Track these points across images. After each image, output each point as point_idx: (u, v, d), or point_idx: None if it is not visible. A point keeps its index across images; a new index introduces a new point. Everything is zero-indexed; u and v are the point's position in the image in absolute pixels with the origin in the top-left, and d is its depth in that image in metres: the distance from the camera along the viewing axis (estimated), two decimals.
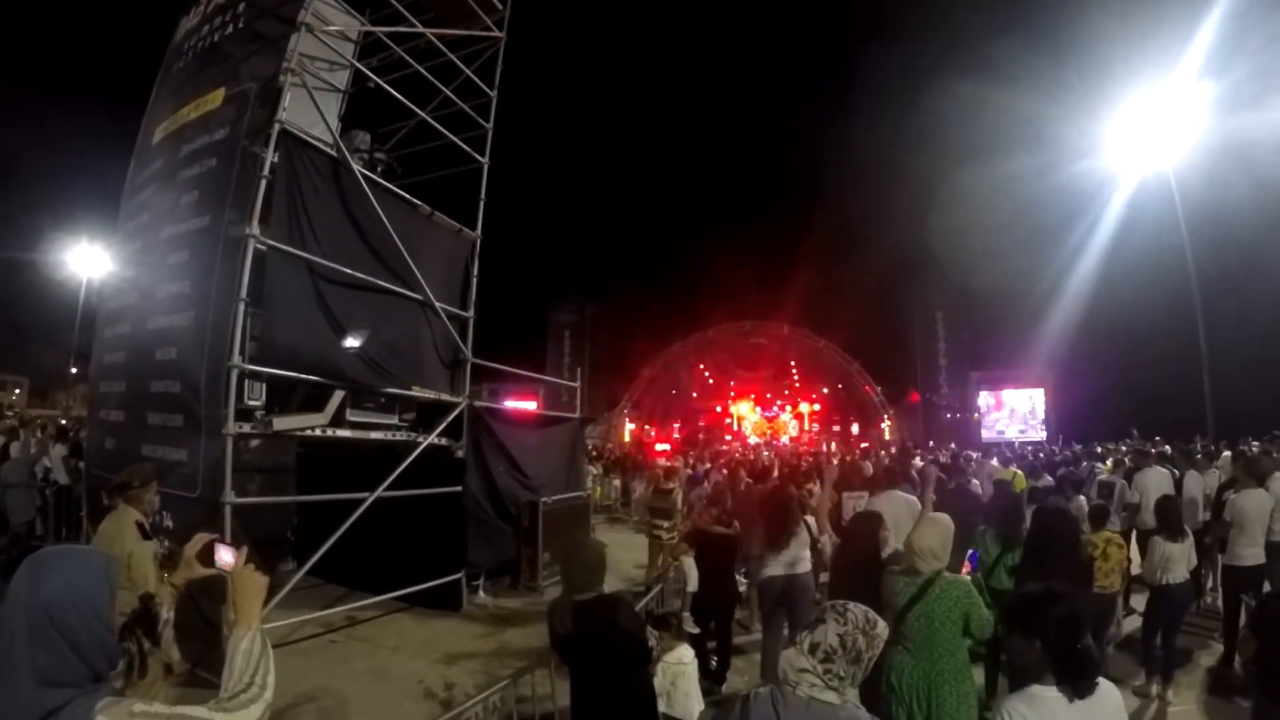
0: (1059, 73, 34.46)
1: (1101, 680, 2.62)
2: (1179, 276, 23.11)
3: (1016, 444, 31.52)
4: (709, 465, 19.91)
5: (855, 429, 48.11)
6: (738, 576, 7.72)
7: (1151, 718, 5.99)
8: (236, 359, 6.80)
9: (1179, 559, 6.23)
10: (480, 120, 10.78)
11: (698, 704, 4.68)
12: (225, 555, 2.37)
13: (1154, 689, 6.23)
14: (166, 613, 2.46)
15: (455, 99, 10.53)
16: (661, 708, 4.31)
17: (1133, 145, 24.19)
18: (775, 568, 6.44)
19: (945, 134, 43.47)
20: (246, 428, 7.34)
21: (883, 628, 2.42)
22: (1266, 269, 29.95)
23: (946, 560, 3.98)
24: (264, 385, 7.70)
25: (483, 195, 10.68)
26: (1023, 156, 37.45)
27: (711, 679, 6.63)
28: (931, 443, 30.82)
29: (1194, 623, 7.90)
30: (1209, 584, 8.87)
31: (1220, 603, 7.75)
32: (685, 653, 4.80)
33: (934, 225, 43.91)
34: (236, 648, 2.00)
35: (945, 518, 4.23)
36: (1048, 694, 2.56)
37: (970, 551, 5.82)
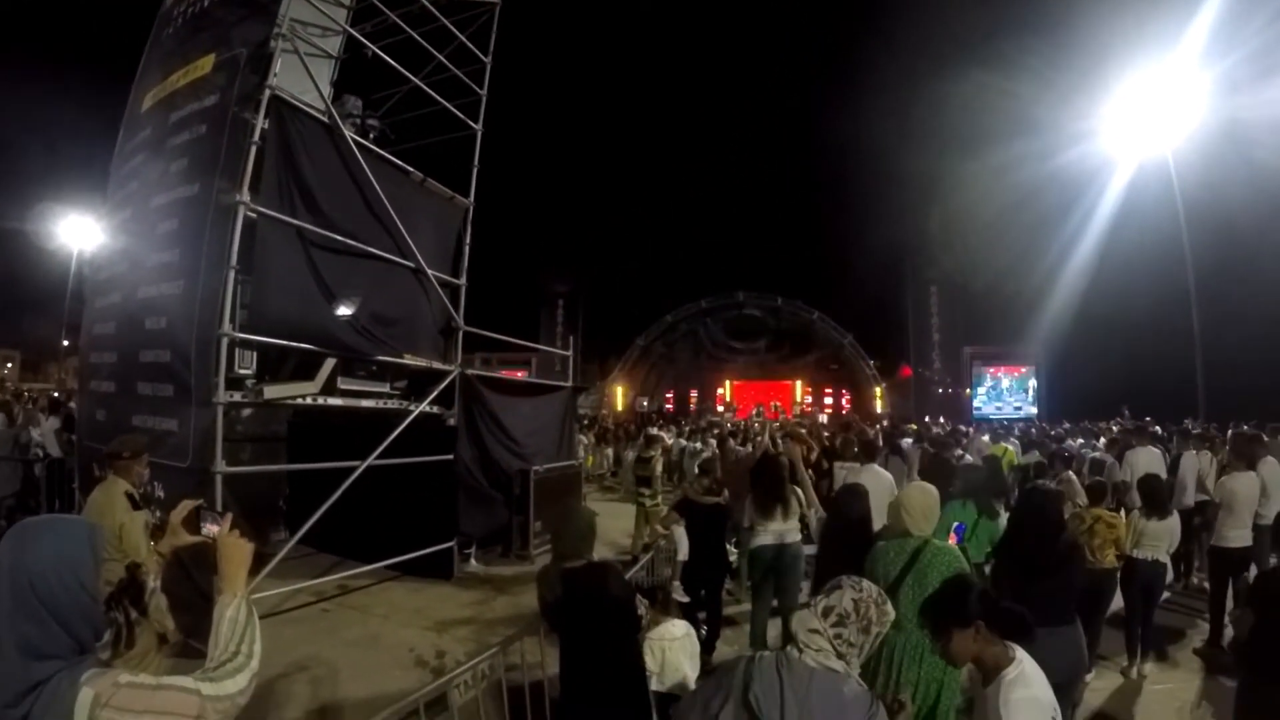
0: (1059, 55, 34.16)
1: None
2: (1174, 260, 23.14)
3: (1006, 421, 31.60)
4: (701, 437, 19.96)
5: (847, 401, 48.18)
6: (728, 546, 7.77)
7: (1132, 695, 6.04)
8: (227, 327, 6.77)
9: (1157, 536, 6.24)
10: (474, 86, 10.69)
11: (693, 673, 4.67)
12: (210, 522, 2.36)
13: (1135, 668, 6.28)
14: (153, 582, 2.46)
15: (449, 65, 10.39)
16: (654, 686, 4.33)
17: (1131, 129, 24.14)
18: (765, 537, 6.47)
19: (947, 112, 43.07)
20: (237, 397, 7.30)
21: (892, 609, 2.45)
22: (1263, 254, 29.94)
23: (932, 530, 3.99)
24: (254, 354, 7.68)
25: (475, 162, 10.60)
26: (1022, 138, 37.14)
27: (701, 648, 6.69)
28: (927, 418, 30.82)
29: (1181, 602, 7.98)
30: (1196, 564, 8.93)
31: (1206, 583, 7.78)
32: (674, 627, 4.79)
33: (931, 201, 43.79)
34: (222, 616, 1.99)
35: (931, 487, 4.24)
36: (1023, 662, 2.58)
37: (956, 525, 5.82)
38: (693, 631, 4.95)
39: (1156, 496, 6.39)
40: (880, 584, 3.59)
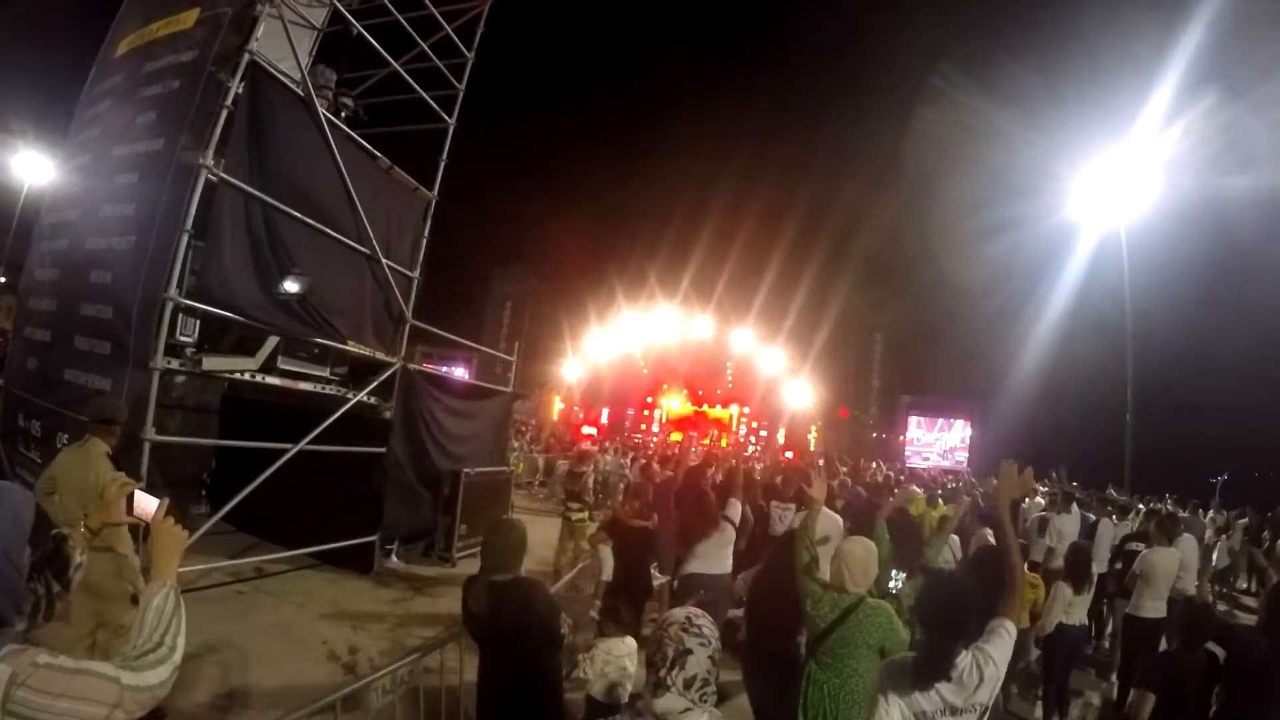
0: (1024, 122, 35.17)
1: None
2: (1114, 332, 23.79)
3: (926, 471, 32.15)
4: (630, 455, 19.94)
5: (781, 436, 48.63)
6: (652, 570, 7.75)
7: None
8: (173, 292, 6.60)
9: (1080, 605, 6.43)
10: (454, 80, 10.66)
11: (627, 687, 4.61)
12: (145, 504, 2.30)
13: None
14: (80, 556, 2.37)
15: (432, 55, 10.34)
16: (589, 691, 4.35)
17: (1086, 203, 24.76)
18: (694, 565, 6.46)
19: (911, 164, 44.14)
20: (175, 364, 7.10)
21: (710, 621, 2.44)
22: (1206, 330, 31.01)
23: (869, 585, 4.00)
24: (197, 322, 7.46)
25: (444, 156, 10.58)
26: (980, 203, 38.24)
27: None
28: (877, 462, 31.17)
29: (1092, 663, 8.21)
30: (1109, 628, 9.15)
31: (1118, 646, 8.00)
32: (622, 645, 4.74)
33: (884, 248, 44.74)
34: (149, 603, 1.94)
35: (870, 542, 4.26)
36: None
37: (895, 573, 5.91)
38: (635, 653, 4.89)
39: (1079, 571, 6.54)
40: (808, 627, 3.69)
